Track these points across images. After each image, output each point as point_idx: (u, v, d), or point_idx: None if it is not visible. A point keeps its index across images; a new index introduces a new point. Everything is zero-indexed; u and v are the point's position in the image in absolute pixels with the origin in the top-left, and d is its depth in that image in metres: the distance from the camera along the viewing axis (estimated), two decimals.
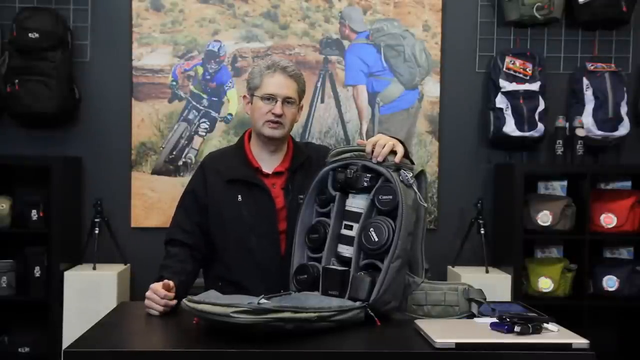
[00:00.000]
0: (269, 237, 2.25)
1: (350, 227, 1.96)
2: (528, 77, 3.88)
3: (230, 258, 2.28)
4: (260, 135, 2.31)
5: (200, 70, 4.00)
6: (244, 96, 2.36)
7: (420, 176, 1.99)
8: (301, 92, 2.33)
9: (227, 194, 2.28)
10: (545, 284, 3.78)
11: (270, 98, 2.26)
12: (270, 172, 2.31)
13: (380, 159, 1.93)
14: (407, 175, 1.90)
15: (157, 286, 2.01)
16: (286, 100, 2.27)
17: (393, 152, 1.94)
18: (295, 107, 2.31)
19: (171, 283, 2.04)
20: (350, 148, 2.05)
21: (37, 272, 3.73)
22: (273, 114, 2.25)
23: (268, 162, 2.33)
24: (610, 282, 3.81)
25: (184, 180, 3.95)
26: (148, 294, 2.00)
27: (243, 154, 2.34)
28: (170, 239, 2.33)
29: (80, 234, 3.94)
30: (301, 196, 2.22)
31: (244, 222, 2.25)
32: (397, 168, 1.92)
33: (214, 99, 4.01)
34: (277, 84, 2.26)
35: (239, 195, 2.27)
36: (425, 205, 1.94)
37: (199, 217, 2.31)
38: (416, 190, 1.90)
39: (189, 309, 1.69)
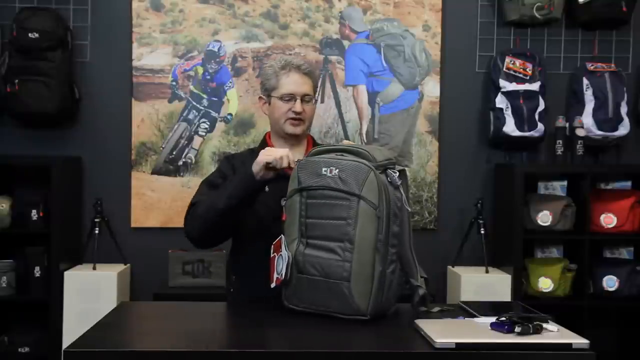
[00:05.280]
0: None
1: None
2: (528, 77, 3.88)
3: (253, 242, 2.27)
4: (280, 132, 2.36)
5: (200, 70, 4.00)
6: (260, 97, 2.42)
7: (401, 177, 1.95)
8: (315, 88, 2.41)
9: None
10: (545, 284, 3.78)
11: (290, 97, 2.32)
12: (293, 167, 2.31)
13: None
14: (394, 176, 1.87)
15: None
16: (304, 98, 2.33)
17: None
18: (313, 103, 2.38)
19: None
20: (332, 147, 2.01)
21: (37, 272, 3.73)
22: (294, 111, 2.32)
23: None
24: (610, 282, 3.81)
25: (184, 180, 3.96)
26: (265, 153, 2.11)
27: None
28: (195, 202, 2.27)
29: (80, 234, 3.94)
30: None
31: (269, 210, 2.24)
32: (385, 169, 1.89)
33: (214, 99, 4.01)
34: (294, 83, 2.33)
35: (266, 187, 2.25)
36: (409, 209, 1.91)
37: None
38: (402, 192, 1.87)
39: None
